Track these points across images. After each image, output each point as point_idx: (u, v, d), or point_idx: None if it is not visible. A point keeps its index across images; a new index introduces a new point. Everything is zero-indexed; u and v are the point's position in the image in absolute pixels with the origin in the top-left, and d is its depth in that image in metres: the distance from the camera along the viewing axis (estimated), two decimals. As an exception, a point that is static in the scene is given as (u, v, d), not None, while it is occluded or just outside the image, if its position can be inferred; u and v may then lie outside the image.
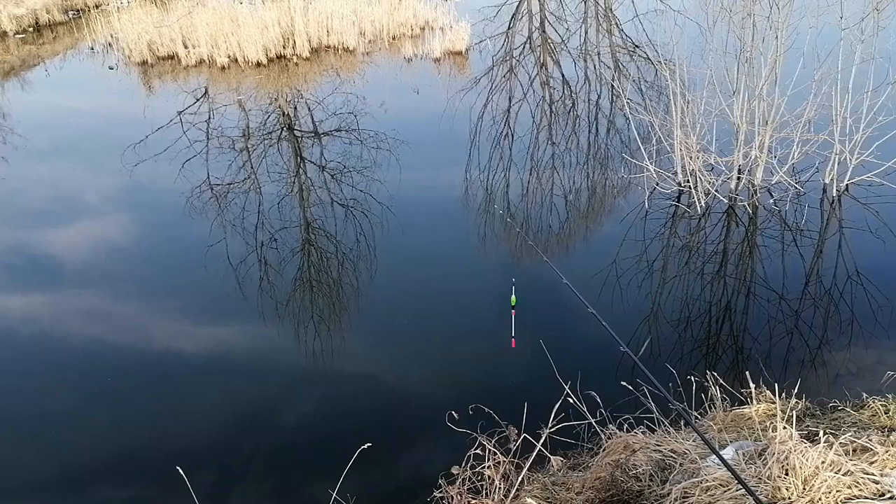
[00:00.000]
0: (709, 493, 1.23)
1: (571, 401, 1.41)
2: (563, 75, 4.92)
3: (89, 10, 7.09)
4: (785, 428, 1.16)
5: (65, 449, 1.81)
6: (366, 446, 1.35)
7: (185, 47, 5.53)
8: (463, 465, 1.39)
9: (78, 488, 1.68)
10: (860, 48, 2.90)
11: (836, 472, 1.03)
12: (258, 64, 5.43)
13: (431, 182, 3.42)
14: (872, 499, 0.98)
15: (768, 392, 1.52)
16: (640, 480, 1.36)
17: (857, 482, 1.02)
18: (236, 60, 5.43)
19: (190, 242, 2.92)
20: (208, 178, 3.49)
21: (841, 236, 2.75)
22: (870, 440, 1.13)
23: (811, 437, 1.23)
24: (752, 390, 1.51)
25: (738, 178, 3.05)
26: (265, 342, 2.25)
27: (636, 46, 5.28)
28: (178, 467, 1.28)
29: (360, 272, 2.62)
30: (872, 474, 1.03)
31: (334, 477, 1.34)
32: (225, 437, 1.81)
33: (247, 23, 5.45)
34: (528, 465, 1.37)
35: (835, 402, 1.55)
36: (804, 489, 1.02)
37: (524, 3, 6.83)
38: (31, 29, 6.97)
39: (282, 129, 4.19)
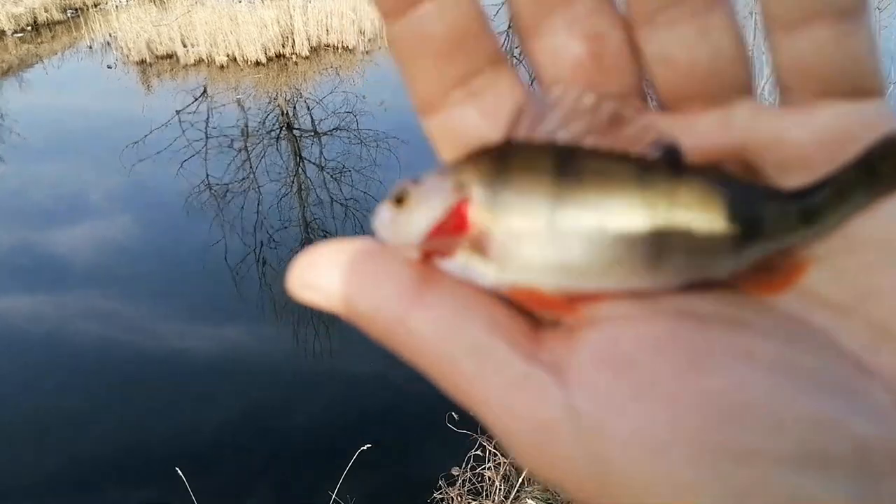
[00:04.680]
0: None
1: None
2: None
3: (88, 9, 7.06)
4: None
5: (62, 449, 1.80)
6: (365, 447, 1.34)
7: (184, 46, 5.51)
8: (463, 466, 1.38)
9: (75, 489, 1.67)
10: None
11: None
12: (257, 63, 5.42)
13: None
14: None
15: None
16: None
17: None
18: (235, 59, 5.42)
19: (188, 242, 2.91)
20: (207, 177, 3.48)
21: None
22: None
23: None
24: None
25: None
26: (263, 342, 2.24)
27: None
28: (176, 468, 1.27)
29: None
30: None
31: (333, 478, 1.33)
32: (222, 438, 1.80)
33: (246, 21, 5.42)
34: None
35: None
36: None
37: (524, 1, 6.79)
38: (29, 28, 6.94)
39: (281, 128, 4.17)
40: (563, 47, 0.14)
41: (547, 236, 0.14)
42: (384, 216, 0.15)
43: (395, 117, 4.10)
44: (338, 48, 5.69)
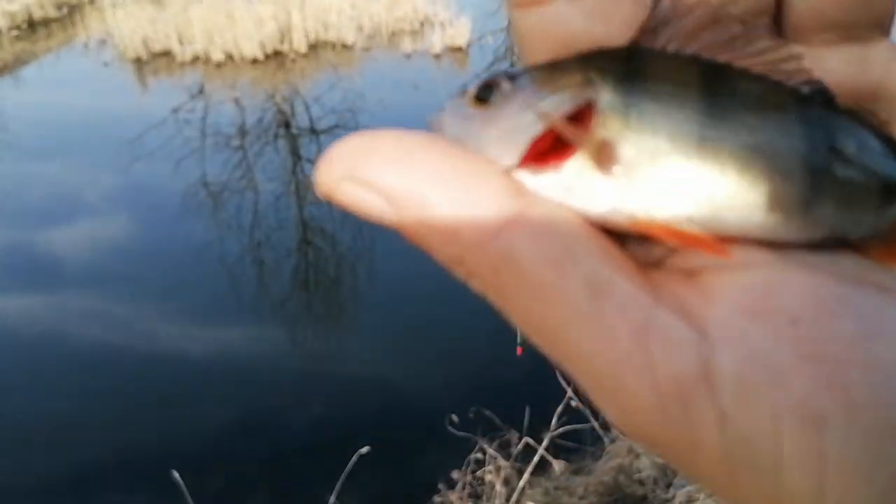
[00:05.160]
0: (713, 498, 1.21)
1: (574, 404, 1.39)
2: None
3: (84, 6, 7.00)
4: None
5: (57, 453, 1.78)
6: (363, 450, 1.32)
7: (181, 43, 5.46)
8: (463, 469, 1.37)
9: (71, 493, 1.65)
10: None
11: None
12: (254, 60, 5.37)
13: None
14: None
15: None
16: (644, 485, 1.34)
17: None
18: (232, 57, 5.37)
19: (183, 242, 2.88)
20: (203, 177, 3.46)
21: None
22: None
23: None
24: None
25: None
26: (260, 344, 2.22)
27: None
28: (174, 472, 1.26)
29: (358, 272, 2.58)
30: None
31: (332, 481, 1.32)
32: (220, 441, 1.78)
33: (243, 18, 5.37)
34: (529, 470, 1.36)
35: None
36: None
37: (524, -2, 6.73)
38: (25, 25, 6.88)
39: (279, 126, 4.14)
40: None
41: (694, 157, 0.11)
42: (462, 113, 0.13)
43: (395, 115, 4.07)
44: (336, 45, 5.64)
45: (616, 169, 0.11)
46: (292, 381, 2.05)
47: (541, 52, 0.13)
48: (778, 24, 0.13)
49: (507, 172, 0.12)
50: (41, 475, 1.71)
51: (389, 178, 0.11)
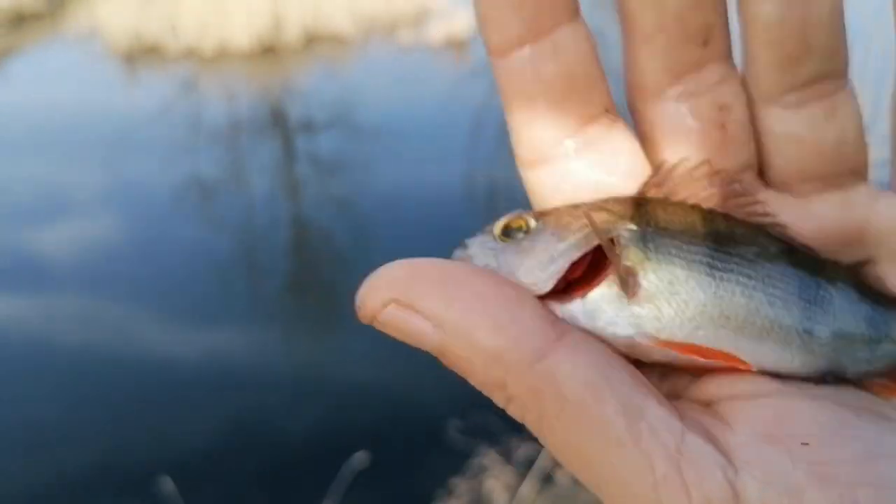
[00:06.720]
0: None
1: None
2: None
3: (74, -1, 6.88)
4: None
5: (43, 462, 1.73)
6: (362, 457, 1.30)
7: (171, 37, 5.37)
8: (464, 477, 1.36)
9: (56, 501, 1.62)
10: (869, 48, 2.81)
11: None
12: (248, 54, 5.29)
13: (431, 177, 3.33)
14: None
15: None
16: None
17: None
18: (224, 51, 5.29)
19: (175, 242, 2.83)
20: (195, 174, 3.39)
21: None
22: None
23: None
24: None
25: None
26: (253, 348, 2.18)
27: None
28: (168, 478, 1.22)
29: (355, 273, 2.53)
30: None
31: (329, 490, 1.29)
32: (212, 450, 1.74)
33: (235, 10, 5.28)
34: (530, 477, 1.34)
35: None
36: None
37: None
38: (14, 19, 6.76)
39: (273, 122, 4.08)
40: (688, 113, 0.15)
41: (706, 284, 0.13)
42: (490, 245, 0.15)
43: (393, 110, 4.01)
44: (332, 38, 5.56)
45: (639, 294, 0.13)
46: (287, 385, 2.01)
47: (552, 204, 0.16)
48: (762, 176, 0.15)
49: (540, 300, 0.14)
50: (26, 483, 1.67)
51: (435, 304, 0.13)
